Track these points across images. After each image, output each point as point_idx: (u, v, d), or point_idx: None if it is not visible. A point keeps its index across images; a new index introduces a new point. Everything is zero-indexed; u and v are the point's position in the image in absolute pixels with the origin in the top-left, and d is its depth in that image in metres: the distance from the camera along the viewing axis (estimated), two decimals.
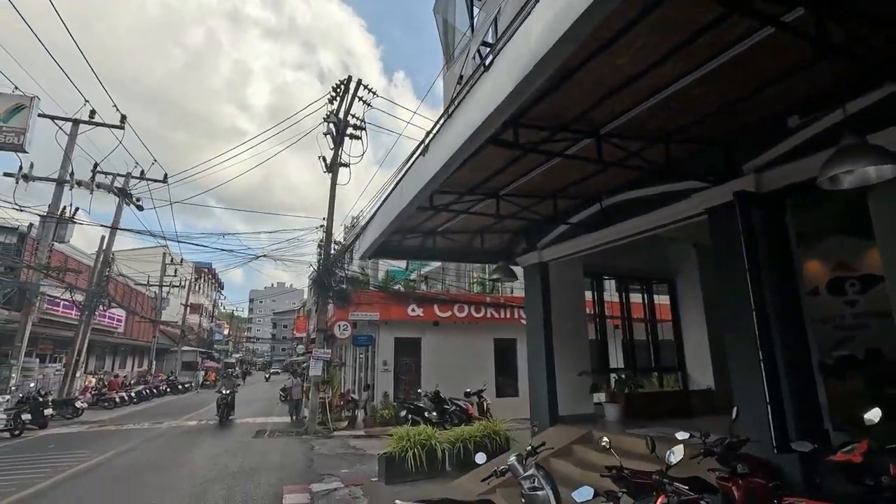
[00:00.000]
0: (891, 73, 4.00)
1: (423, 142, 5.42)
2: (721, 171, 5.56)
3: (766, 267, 5.02)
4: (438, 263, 25.11)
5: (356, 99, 14.49)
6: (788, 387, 4.79)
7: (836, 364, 5.59)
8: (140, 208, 21.86)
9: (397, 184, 6.15)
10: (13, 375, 15.89)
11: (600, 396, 9.37)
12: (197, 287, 53.03)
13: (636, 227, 7.16)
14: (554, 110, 4.61)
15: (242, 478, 8.60)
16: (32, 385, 18.58)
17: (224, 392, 16.82)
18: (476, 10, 10.18)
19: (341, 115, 14.95)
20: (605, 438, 4.06)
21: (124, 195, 20.98)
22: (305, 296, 56.21)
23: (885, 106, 4.17)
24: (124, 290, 30.94)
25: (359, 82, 14.24)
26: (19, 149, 14.49)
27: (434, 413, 13.87)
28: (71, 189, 16.92)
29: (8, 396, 15.36)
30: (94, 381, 26.30)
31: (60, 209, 16.86)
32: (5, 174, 16.23)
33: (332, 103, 14.98)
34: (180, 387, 33.70)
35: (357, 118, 15.08)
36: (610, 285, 11.13)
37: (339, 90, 14.64)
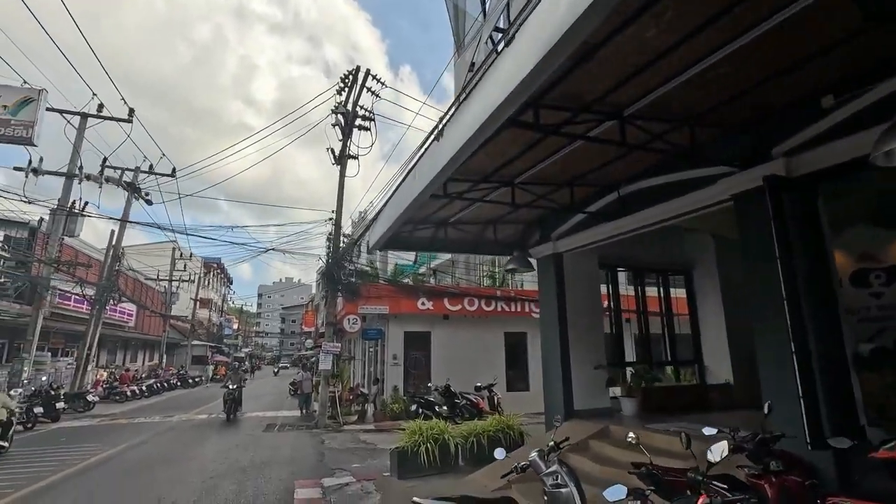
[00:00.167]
0: None
1: (437, 126, 5.22)
2: (748, 155, 5.32)
3: (798, 255, 4.79)
4: (448, 257, 24.95)
5: (364, 89, 14.29)
6: (822, 380, 4.56)
7: (870, 356, 5.36)
8: (149, 203, 21.83)
9: (410, 170, 5.96)
10: (25, 369, 15.95)
11: (615, 391, 9.18)
12: (206, 282, 53.28)
13: (655, 216, 6.93)
14: (576, 90, 4.40)
15: (253, 472, 8.50)
16: (44, 379, 18.70)
17: (231, 387, 16.18)
18: None
19: (349, 106, 14.76)
20: (632, 434, 3.87)
21: (133, 189, 20.96)
22: (313, 290, 56.36)
23: None
24: (135, 284, 31.09)
25: (367, 72, 14.03)
26: (28, 142, 14.45)
27: (445, 407, 13.75)
28: (80, 183, 16.90)
29: (20, 390, 15.42)
30: (105, 374, 26.48)
31: (70, 203, 16.85)
32: (15, 168, 16.24)
33: (340, 94, 14.80)
34: (191, 381, 33.88)
35: (365, 109, 14.89)
36: (624, 278, 10.91)
37: (347, 81, 14.45)
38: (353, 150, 15.35)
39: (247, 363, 58.81)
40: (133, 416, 17.65)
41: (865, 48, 4.05)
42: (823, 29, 3.83)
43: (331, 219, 16.53)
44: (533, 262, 9.12)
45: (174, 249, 37.53)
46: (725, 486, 3.29)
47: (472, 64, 8.21)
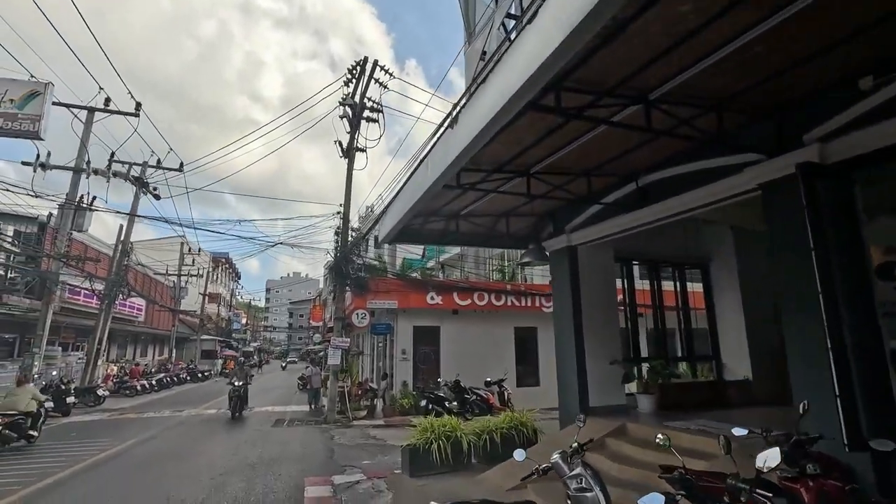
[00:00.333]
0: None
1: (451, 113, 5.00)
2: (777, 142, 5.06)
3: (833, 246, 4.53)
4: (456, 251, 24.76)
5: (373, 81, 14.07)
6: (859, 378, 4.32)
7: None
8: (157, 197, 21.78)
9: (422, 160, 5.75)
10: (35, 364, 15.97)
11: (631, 387, 8.97)
12: (215, 277, 53.52)
13: (675, 206, 6.68)
14: (600, 72, 4.16)
15: (262, 468, 8.39)
16: (55, 373, 18.77)
17: (236, 384, 15.31)
18: None
19: (357, 98, 14.54)
20: (661, 435, 3.65)
21: (141, 184, 20.92)
22: (321, 285, 56.39)
23: None
24: (144, 279, 31.19)
25: (375, 63, 13.79)
26: (35, 136, 14.38)
27: (455, 403, 13.61)
28: (87, 177, 16.85)
29: (31, 384, 15.44)
30: (115, 369, 26.61)
31: (78, 198, 16.80)
32: (23, 163, 16.20)
33: (347, 86, 14.59)
34: (200, 375, 34.05)
35: (373, 101, 14.66)
36: (638, 272, 10.66)
37: (354, 72, 14.23)
38: (360, 143, 15.17)
39: (255, 357, 59.12)
40: (143, 411, 17.67)
41: None
42: (863, 6, 3.58)
43: (338, 212, 16.38)
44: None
45: (182, 244, 37.63)
46: (770, 495, 3.06)
47: (484, 53, 7.98)
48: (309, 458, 9.35)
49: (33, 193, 13.65)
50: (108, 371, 24.96)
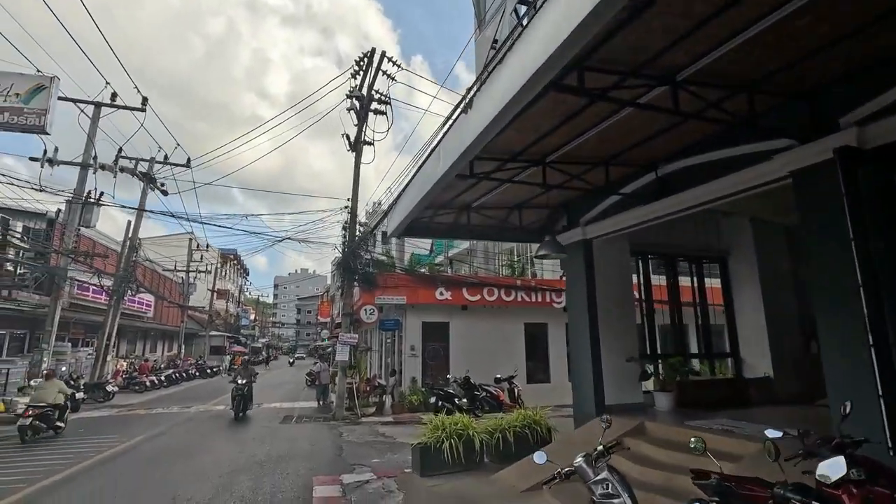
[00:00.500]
0: None
1: (465, 97, 4.75)
2: (812, 126, 4.77)
3: (874, 235, 4.25)
4: (465, 246, 24.49)
5: (380, 72, 13.80)
6: None
7: None
8: (165, 193, 21.70)
9: (434, 148, 5.51)
10: (44, 359, 15.96)
11: (647, 384, 8.70)
12: (223, 273, 53.67)
13: (697, 197, 6.39)
14: (626, 50, 3.90)
15: (270, 466, 8.23)
16: (64, 369, 18.80)
17: (240, 382, 14.35)
18: None
19: (364, 90, 14.29)
20: (694, 438, 3.39)
21: (149, 180, 20.85)
22: (328, 281, 56.42)
23: None
24: (152, 275, 31.26)
25: (383, 54, 13.53)
26: (41, 130, 14.28)
27: (464, 399, 13.40)
28: (94, 173, 16.76)
29: (40, 380, 15.44)
30: (125, 365, 26.70)
31: (85, 193, 16.74)
32: (31, 158, 16.15)
33: (355, 78, 14.33)
34: (209, 371, 34.14)
35: (381, 94, 14.41)
36: (653, 266, 10.36)
37: (362, 63, 13.98)
38: (368, 136, 14.92)
39: (263, 353, 59.31)
40: (151, 407, 17.64)
41: None
42: None
43: (346, 207, 16.17)
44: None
45: (191, 240, 37.68)
46: None
47: (495, 41, 7.70)
48: (317, 455, 9.19)
49: (38, 187, 13.55)
50: (118, 367, 25.05)
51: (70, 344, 22.19)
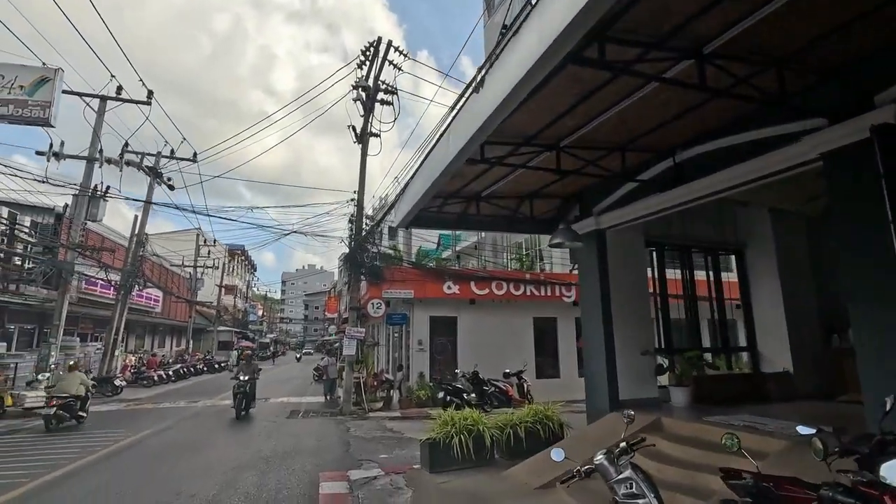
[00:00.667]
0: None
1: (476, 76, 4.51)
2: (844, 104, 4.48)
3: None
4: (473, 240, 24.26)
5: (386, 62, 13.55)
6: None
7: None
8: (171, 188, 21.66)
9: (444, 132, 5.28)
10: (52, 353, 15.96)
11: (662, 379, 8.45)
12: (230, 269, 53.79)
13: (717, 184, 6.11)
14: (650, 18, 3.64)
15: (276, 462, 8.09)
16: (72, 363, 18.76)
17: (242, 378, 13.48)
18: None
19: (371, 81, 14.05)
20: (727, 435, 3.14)
21: (155, 174, 20.79)
22: (335, 277, 56.41)
23: None
24: (160, 270, 31.29)
25: (389, 43, 13.27)
26: (45, 123, 14.19)
27: (473, 394, 13.21)
28: (101, 167, 16.70)
29: (48, 374, 15.44)
30: (133, 359, 26.76)
31: (92, 187, 16.67)
32: (37, 153, 16.10)
33: (361, 68, 14.10)
34: (216, 366, 34.19)
35: (387, 84, 14.16)
36: (668, 258, 10.09)
37: (368, 53, 13.74)
38: (374, 127, 14.69)
39: (271, 348, 59.43)
40: (159, 401, 17.61)
41: None
42: None
43: (352, 200, 15.97)
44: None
45: (198, 235, 37.72)
46: None
47: (505, 26, 7.45)
48: (324, 451, 9.03)
49: (42, 179, 13.47)
50: (126, 361, 25.09)
51: (79, 338, 22.23)
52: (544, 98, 4.54)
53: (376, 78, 13.88)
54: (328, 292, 60.28)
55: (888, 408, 3.47)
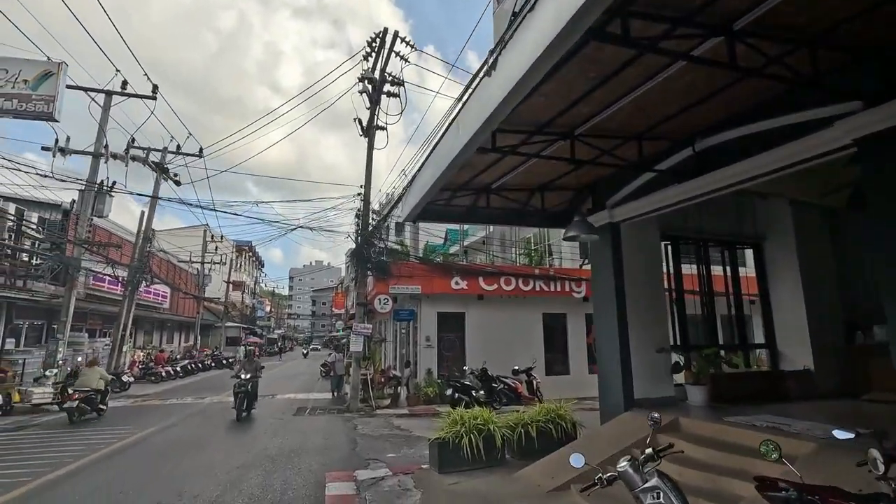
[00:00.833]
0: None
1: (488, 59, 4.26)
2: (883, 85, 4.19)
3: None
4: (480, 234, 24.01)
5: (393, 54, 13.29)
6: None
7: None
8: (178, 183, 21.55)
9: (453, 120, 5.03)
10: (60, 350, 15.93)
11: (678, 377, 8.18)
12: (238, 265, 53.90)
13: (738, 174, 5.82)
14: None
15: (282, 461, 7.92)
16: (80, 359, 18.81)
17: (243, 377, 12.40)
18: None
19: (377, 73, 13.80)
20: (765, 442, 2.87)
21: (161, 170, 20.69)
22: (343, 273, 56.39)
23: None
24: (167, 266, 31.32)
25: (395, 34, 13.01)
26: (49, 117, 14.09)
27: (482, 392, 13.00)
28: (106, 162, 16.60)
29: (56, 370, 15.42)
30: (141, 355, 26.81)
31: (98, 183, 16.59)
32: (43, 148, 16.03)
33: (367, 60, 13.85)
34: (224, 361, 34.24)
35: (393, 76, 13.90)
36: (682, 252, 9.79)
37: (374, 45, 13.49)
38: (381, 120, 14.45)
39: (278, 344, 59.57)
40: (166, 398, 17.57)
41: None
42: None
43: (359, 194, 15.76)
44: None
45: (205, 231, 37.74)
46: None
47: (515, 13, 7.17)
48: (331, 450, 8.86)
49: (43, 174, 13.40)
50: (134, 357, 25.13)
51: (87, 334, 22.25)
52: (560, 82, 4.29)
53: (383, 69, 13.62)
54: (335, 288, 60.33)
55: None
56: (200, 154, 20.97)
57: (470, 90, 4.76)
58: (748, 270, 9.85)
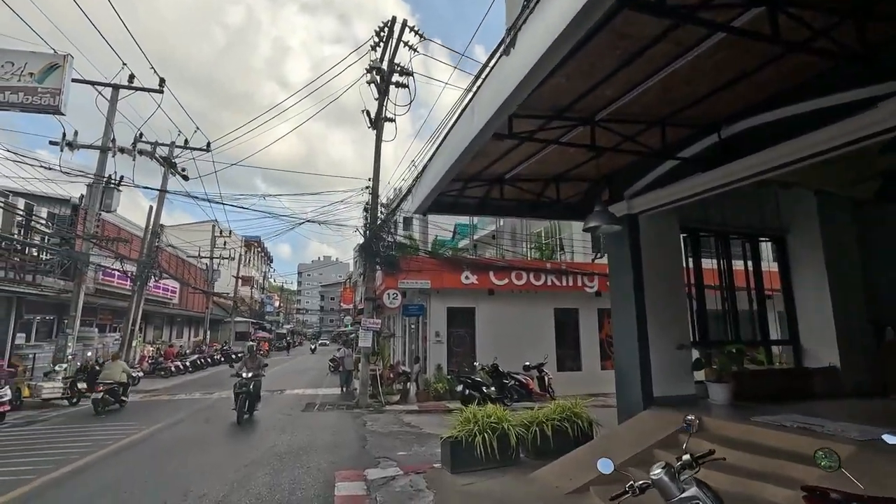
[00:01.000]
0: None
1: (505, 38, 3.99)
2: None
3: None
4: (491, 228, 23.73)
5: (401, 44, 13.00)
6: None
7: None
8: (185, 178, 21.48)
9: (468, 104, 4.77)
10: (69, 344, 15.92)
11: (698, 375, 7.90)
12: (247, 260, 54.03)
13: (767, 161, 5.46)
14: None
15: (290, 459, 7.76)
16: (89, 354, 18.83)
17: (245, 376, 11.39)
18: None
19: (385, 64, 13.53)
20: (822, 452, 2.59)
21: (169, 164, 20.61)
22: (351, 268, 56.35)
23: None
24: (177, 262, 31.36)
25: (404, 23, 12.72)
26: (56, 110, 13.99)
27: (493, 388, 12.79)
28: (113, 156, 16.52)
29: (65, 365, 15.42)
30: (151, 350, 26.89)
31: (106, 177, 16.51)
32: (51, 142, 15.97)
33: (374, 50, 13.58)
34: (234, 356, 34.29)
35: (402, 66, 13.62)
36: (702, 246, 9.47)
37: (382, 34, 13.20)
38: (389, 112, 14.19)
39: (287, 339, 59.73)
40: (174, 392, 17.55)
41: None
42: None
43: (367, 187, 15.54)
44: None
45: (214, 226, 37.77)
46: None
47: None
48: (340, 447, 8.68)
49: (48, 167, 13.31)
50: (144, 352, 25.19)
51: (97, 329, 22.31)
52: (583, 60, 4.02)
53: (391, 59, 13.35)
54: (344, 283, 60.34)
55: None
56: (208, 148, 20.85)
57: (486, 72, 4.50)
58: (770, 265, 9.50)
